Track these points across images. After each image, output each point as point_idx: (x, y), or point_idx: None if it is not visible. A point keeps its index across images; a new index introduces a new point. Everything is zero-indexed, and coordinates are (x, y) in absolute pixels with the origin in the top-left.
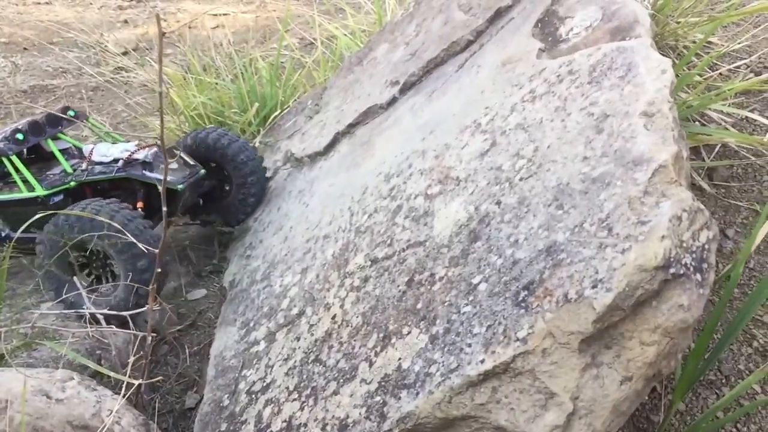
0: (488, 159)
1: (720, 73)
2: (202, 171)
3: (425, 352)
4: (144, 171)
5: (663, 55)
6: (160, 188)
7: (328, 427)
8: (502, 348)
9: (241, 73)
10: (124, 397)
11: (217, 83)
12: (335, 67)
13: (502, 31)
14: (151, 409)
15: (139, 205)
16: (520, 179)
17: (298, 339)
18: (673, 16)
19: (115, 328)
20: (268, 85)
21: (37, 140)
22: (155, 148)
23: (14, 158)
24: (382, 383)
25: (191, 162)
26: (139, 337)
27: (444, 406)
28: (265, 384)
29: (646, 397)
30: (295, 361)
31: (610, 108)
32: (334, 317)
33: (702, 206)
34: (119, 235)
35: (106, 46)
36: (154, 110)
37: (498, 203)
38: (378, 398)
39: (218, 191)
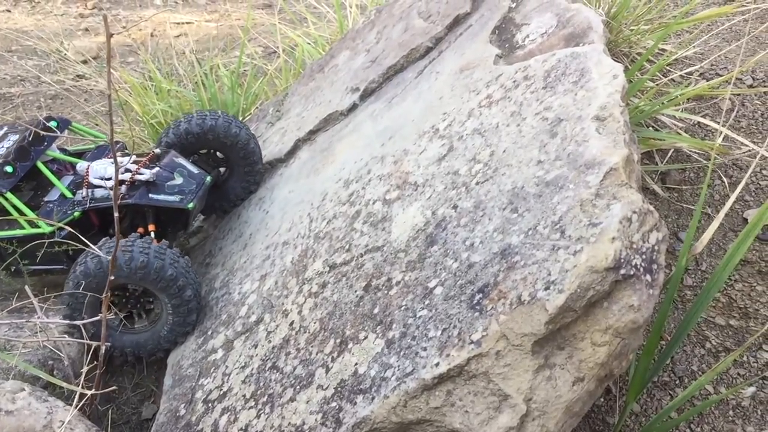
0: (446, 164)
1: (672, 79)
2: (209, 179)
3: (381, 356)
4: (150, 194)
5: (616, 61)
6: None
7: None
8: (456, 351)
9: (203, 80)
10: (76, 407)
11: (178, 90)
12: (297, 75)
13: (461, 38)
14: (106, 420)
15: (151, 228)
16: (477, 183)
17: (255, 346)
18: (627, 24)
19: (68, 338)
20: (230, 93)
21: (27, 168)
22: (155, 168)
23: (9, 195)
24: (339, 389)
25: (195, 171)
26: (92, 347)
27: (399, 410)
28: (222, 392)
29: (602, 399)
30: (253, 369)
31: (564, 112)
32: (291, 324)
33: (652, 208)
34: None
35: (65, 54)
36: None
37: (455, 207)
38: (334, 404)
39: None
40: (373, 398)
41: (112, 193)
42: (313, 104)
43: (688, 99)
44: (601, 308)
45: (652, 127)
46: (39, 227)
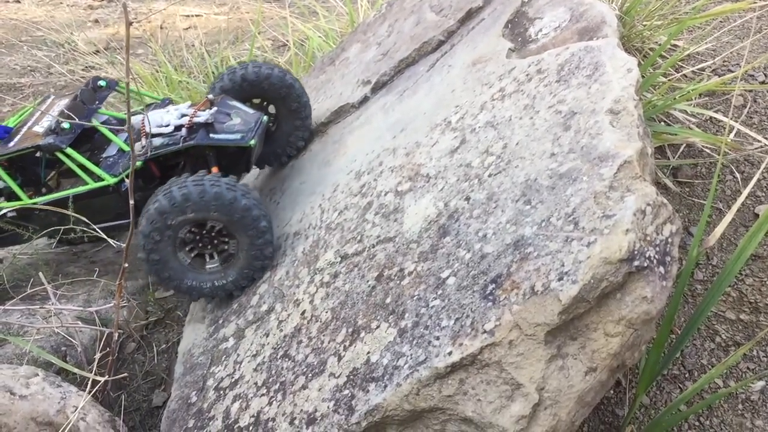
0: (458, 156)
1: (684, 75)
2: (264, 118)
3: (394, 345)
4: (211, 135)
5: (629, 55)
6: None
7: (297, 421)
8: (469, 340)
9: (213, 72)
10: (89, 393)
11: (188, 82)
12: (307, 68)
13: (473, 31)
14: (117, 407)
15: (214, 170)
16: (489, 175)
17: (267, 335)
18: (640, 19)
19: (81, 324)
20: None
21: (83, 125)
22: (213, 108)
23: (69, 150)
24: (351, 377)
25: (250, 111)
26: (105, 334)
27: (412, 398)
28: (233, 380)
29: (611, 391)
30: (264, 357)
31: (578, 106)
32: (303, 313)
33: (665, 201)
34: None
35: (75, 44)
36: (122, 107)
37: (467, 199)
38: (346, 392)
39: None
40: (385, 386)
41: (170, 139)
42: (324, 97)
43: (700, 94)
44: (615, 299)
45: (664, 122)
46: (104, 179)
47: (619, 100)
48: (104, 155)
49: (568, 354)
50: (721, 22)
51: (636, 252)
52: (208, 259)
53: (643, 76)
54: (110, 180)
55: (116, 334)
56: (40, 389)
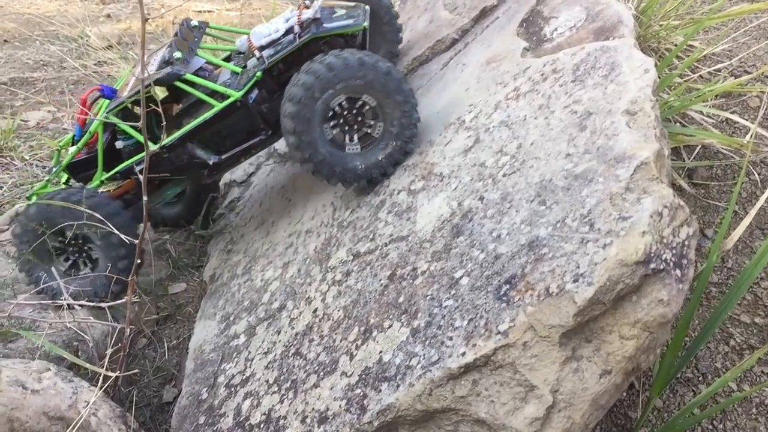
0: (472, 155)
1: (701, 76)
2: (367, 7)
3: (406, 345)
4: (324, 25)
5: (645, 56)
6: (341, 39)
7: (308, 420)
8: (483, 341)
9: None
10: (101, 389)
11: None
12: None
13: (487, 30)
14: (128, 402)
15: None
16: (503, 175)
17: (278, 332)
18: (656, 19)
19: (93, 320)
20: None
21: (191, 57)
22: (316, 3)
23: (188, 76)
24: (363, 376)
25: (351, 3)
26: (117, 330)
27: (424, 398)
28: (244, 377)
29: (624, 394)
30: (276, 355)
31: (594, 106)
32: (315, 311)
33: (682, 203)
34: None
35: (88, 39)
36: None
37: (481, 199)
38: (358, 391)
39: None
40: (398, 386)
41: (282, 45)
42: None
43: (716, 96)
44: (630, 302)
45: (680, 122)
46: (229, 96)
47: (636, 100)
48: (218, 81)
49: (583, 356)
50: (738, 22)
51: (652, 254)
52: (354, 139)
53: (659, 77)
54: (236, 94)
55: (128, 330)
56: (52, 384)
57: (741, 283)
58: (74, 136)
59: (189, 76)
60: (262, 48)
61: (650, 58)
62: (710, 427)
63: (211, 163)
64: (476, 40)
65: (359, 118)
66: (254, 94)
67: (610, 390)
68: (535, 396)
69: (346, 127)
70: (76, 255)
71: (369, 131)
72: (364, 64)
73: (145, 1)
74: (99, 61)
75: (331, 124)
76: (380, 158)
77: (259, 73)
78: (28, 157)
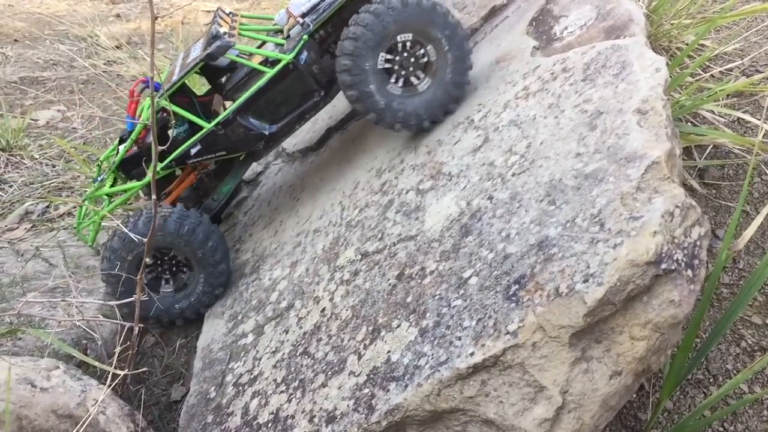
0: (481, 155)
1: (712, 75)
2: None
3: (415, 345)
4: None
5: (657, 54)
6: None
7: (316, 419)
8: (492, 341)
9: None
10: (109, 387)
11: None
12: None
13: (497, 29)
14: (136, 401)
15: None
16: (513, 175)
17: (286, 332)
18: (667, 17)
19: (102, 318)
20: None
21: (233, 36)
22: None
23: (239, 46)
24: (371, 376)
25: None
26: (125, 328)
27: (433, 398)
28: (252, 376)
29: (634, 395)
30: (284, 354)
31: (604, 105)
32: (323, 310)
33: (694, 203)
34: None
35: (97, 39)
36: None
37: (490, 198)
38: (366, 390)
39: None
40: (406, 386)
41: (323, 8)
42: (342, 95)
43: (728, 95)
44: (641, 302)
45: (691, 122)
46: (281, 60)
47: (647, 99)
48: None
49: (593, 357)
50: (749, 22)
51: (664, 255)
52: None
53: (670, 76)
54: (287, 57)
55: (136, 328)
56: (60, 382)
57: (752, 284)
58: (125, 132)
59: (239, 46)
60: (303, 15)
61: (661, 57)
62: (721, 429)
63: (267, 133)
64: (486, 39)
65: (414, 60)
66: (304, 55)
67: (620, 391)
68: (544, 397)
69: (403, 72)
70: (165, 273)
71: (424, 74)
72: (408, 4)
73: (155, 0)
74: (108, 61)
75: (387, 70)
76: (438, 96)
77: (306, 36)
78: (37, 156)
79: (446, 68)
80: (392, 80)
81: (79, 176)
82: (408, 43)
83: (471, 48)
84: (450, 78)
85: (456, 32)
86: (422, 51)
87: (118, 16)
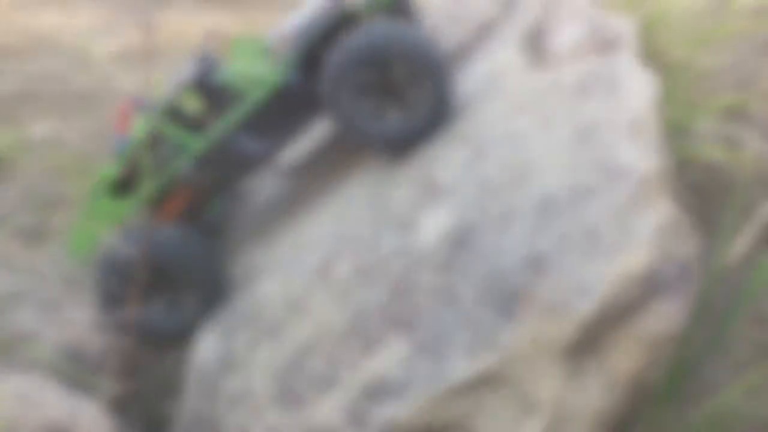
0: (474, 169)
1: (703, 90)
2: None
3: (408, 359)
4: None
5: (648, 70)
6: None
7: None
8: (485, 355)
9: None
10: (102, 401)
11: None
12: None
13: (489, 44)
14: (129, 415)
15: None
16: (506, 189)
17: (280, 346)
18: (659, 33)
19: (94, 333)
20: None
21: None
22: None
23: (229, 67)
24: (365, 390)
25: None
26: (118, 343)
27: (426, 413)
28: (245, 391)
29: (626, 408)
30: (277, 368)
31: (596, 120)
32: (317, 325)
33: (685, 218)
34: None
35: (93, 53)
36: None
37: (483, 213)
38: (360, 405)
39: None
40: (400, 400)
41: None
42: None
43: (720, 110)
44: (634, 316)
45: (683, 137)
46: (271, 79)
47: (639, 114)
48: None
49: (586, 371)
50: (743, 37)
51: (655, 269)
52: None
53: (662, 91)
54: (275, 77)
55: (129, 344)
56: (52, 396)
57: (744, 296)
58: (117, 149)
59: (229, 67)
60: (291, 34)
61: (653, 72)
62: None
63: (258, 151)
64: (478, 54)
65: (394, 88)
66: (292, 74)
67: (612, 405)
68: (536, 410)
69: (383, 97)
70: (158, 289)
71: (405, 100)
72: (391, 36)
73: (149, 16)
74: (103, 76)
75: (368, 95)
76: (420, 122)
77: (293, 55)
78: (31, 170)
79: (426, 99)
80: (376, 105)
81: (72, 191)
82: (392, 72)
83: (453, 80)
84: (429, 109)
85: (439, 67)
86: (404, 79)
87: (113, 30)
